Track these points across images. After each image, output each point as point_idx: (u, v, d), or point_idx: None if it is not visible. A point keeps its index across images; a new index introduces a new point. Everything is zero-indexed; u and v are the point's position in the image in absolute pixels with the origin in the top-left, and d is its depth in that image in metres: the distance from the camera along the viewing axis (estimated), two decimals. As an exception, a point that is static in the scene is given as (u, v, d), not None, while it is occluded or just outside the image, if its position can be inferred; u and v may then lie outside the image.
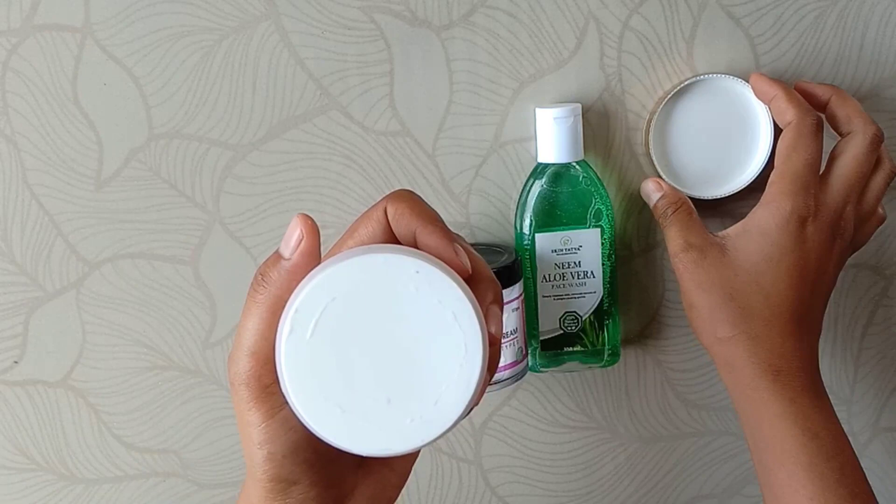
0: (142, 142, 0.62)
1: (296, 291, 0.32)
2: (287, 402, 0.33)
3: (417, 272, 0.32)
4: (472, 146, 0.63)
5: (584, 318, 0.63)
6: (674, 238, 0.59)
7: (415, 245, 0.36)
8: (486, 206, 0.64)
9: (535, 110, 0.62)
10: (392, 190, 0.63)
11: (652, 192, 0.62)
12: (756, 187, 0.63)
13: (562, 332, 0.63)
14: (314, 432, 0.32)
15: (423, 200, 0.37)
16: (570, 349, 0.63)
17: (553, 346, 0.63)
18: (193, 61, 0.61)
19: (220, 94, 0.61)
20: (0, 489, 0.66)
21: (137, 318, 0.65)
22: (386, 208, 0.36)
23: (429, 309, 0.32)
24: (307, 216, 0.34)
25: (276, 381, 0.34)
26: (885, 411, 0.71)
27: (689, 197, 0.63)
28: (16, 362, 0.65)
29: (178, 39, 0.60)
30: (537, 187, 0.61)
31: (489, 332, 0.34)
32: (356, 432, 0.32)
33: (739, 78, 0.61)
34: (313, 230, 0.34)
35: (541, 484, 0.69)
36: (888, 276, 0.68)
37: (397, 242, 0.37)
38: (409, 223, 0.36)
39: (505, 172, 0.64)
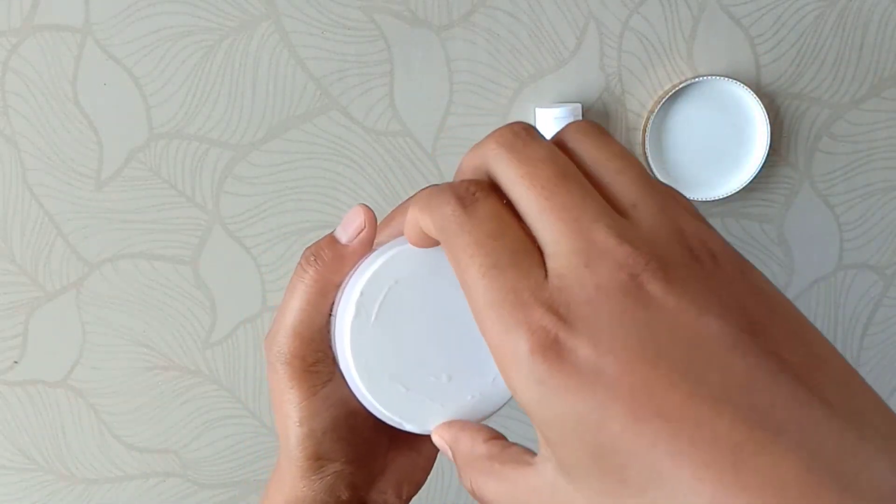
0: (142, 142, 0.62)
1: (356, 275, 0.33)
2: (348, 385, 0.33)
3: None
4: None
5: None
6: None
7: None
8: (486, 206, 0.64)
9: (535, 110, 0.62)
10: (390, 187, 0.64)
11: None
12: (753, 188, 0.63)
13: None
14: (378, 413, 0.33)
15: None
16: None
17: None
18: (193, 61, 0.61)
19: (220, 94, 0.61)
20: (0, 489, 0.66)
21: (137, 318, 0.65)
22: None
23: None
24: (368, 208, 0.35)
25: (322, 360, 0.34)
26: (885, 411, 0.71)
27: (688, 198, 0.63)
28: (16, 362, 0.65)
29: (178, 39, 0.60)
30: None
31: None
32: (421, 411, 0.33)
33: (737, 80, 0.61)
34: (374, 222, 0.35)
35: (541, 484, 0.69)
36: (888, 276, 0.68)
37: None
38: None
39: (505, 172, 0.64)
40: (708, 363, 0.22)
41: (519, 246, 0.25)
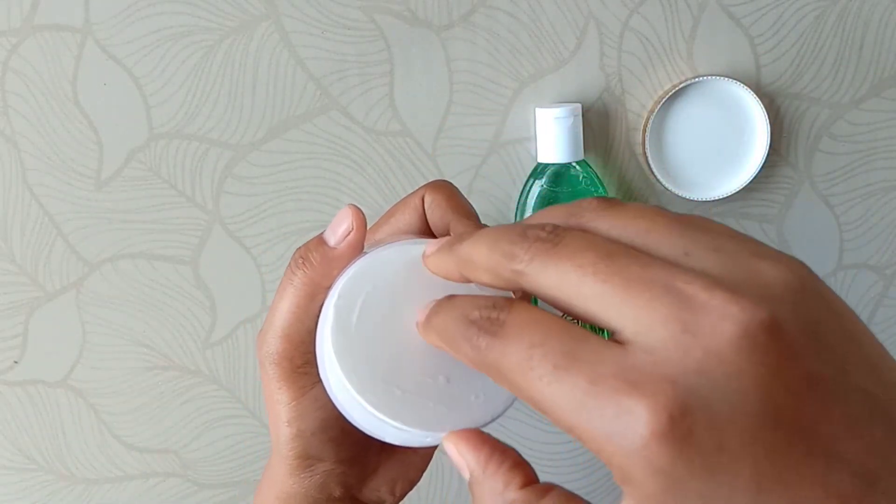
0: (142, 142, 0.62)
1: (338, 279, 0.33)
2: (327, 391, 0.33)
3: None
4: (472, 146, 0.63)
5: (584, 318, 0.63)
6: None
7: (447, 235, 0.36)
8: (486, 206, 0.64)
9: (535, 110, 0.62)
10: (390, 187, 0.64)
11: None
12: (753, 188, 0.63)
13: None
14: (375, 416, 0.32)
15: (461, 193, 0.38)
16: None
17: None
18: (193, 61, 0.61)
19: (220, 94, 0.61)
20: (0, 489, 0.66)
21: (137, 318, 0.65)
22: (423, 196, 0.36)
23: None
24: (358, 209, 0.34)
25: (312, 362, 0.34)
26: (885, 411, 0.71)
27: (686, 198, 0.63)
28: (16, 362, 0.65)
29: (178, 39, 0.60)
30: (537, 187, 0.61)
31: None
32: (420, 412, 0.32)
33: (737, 80, 0.61)
34: (362, 223, 0.34)
35: (541, 484, 0.69)
36: (888, 276, 0.68)
37: (430, 230, 0.37)
38: (444, 214, 0.36)
39: (505, 172, 0.64)
40: (819, 413, 0.20)
41: (575, 334, 0.23)
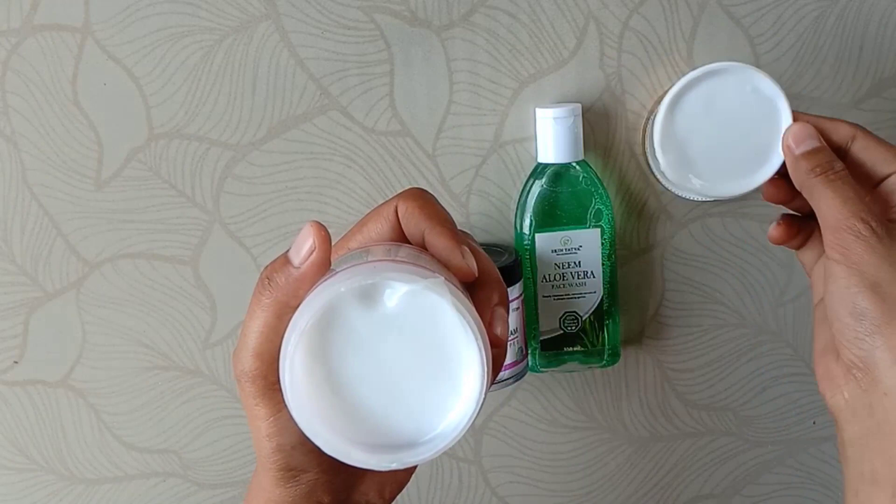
0: (142, 142, 0.62)
1: (300, 309, 0.33)
2: (290, 413, 0.33)
3: (411, 291, 0.32)
4: (472, 146, 0.63)
5: (584, 318, 0.63)
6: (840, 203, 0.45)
7: (423, 244, 0.36)
8: (486, 206, 0.64)
9: (535, 110, 0.62)
10: (390, 188, 0.64)
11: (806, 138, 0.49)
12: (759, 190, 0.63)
13: (562, 332, 0.63)
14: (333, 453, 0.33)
15: (436, 200, 0.37)
16: (570, 349, 0.63)
17: (553, 346, 0.63)
18: (193, 61, 0.61)
19: (220, 94, 0.61)
20: (0, 489, 0.66)
21: (137, 318, 0.65)
22: (397, 206, 0.36)
23: (425, 326, 0.33)
24: (321, 226, 0.34)
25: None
26: (885, 411, 0.71)
27: (686, 198, 0.63)
28: (16, 362, 0.65)
29: (178, 39, 0.60)
30: (537, 187, 0.61)
31: (494, 335, 0.34)
32: (377, 440, 0.33)
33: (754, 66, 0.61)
34: (325, 241, 0.34)
35: (541, 484, 0.69)
36: (888, 276, 0.68)
37: (406, 239, 0.37)
38: (419, 223, 0.36)
39: (505, 172, 0.64)
40: None
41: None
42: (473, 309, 0.33)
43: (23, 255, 0.63)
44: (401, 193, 0.37)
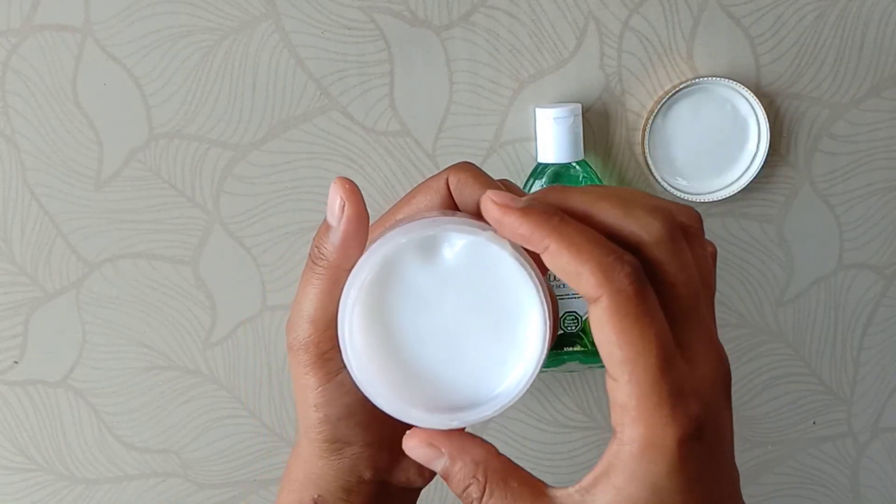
0: (142, 142, 0.62)
1: (358, 265, 0.33)
2: (351, 376, 0.33)
3: (471, 243, 0.32)
4: (472, 146, 0.63)
5: (584, 318, 0.63)
6: None
7: (478, 214, 0.36)
8: (486, 206, 0.64)
9: (535, 110, 0.62)
10: (390, 187, 0.64)
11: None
12: (753, 188, 0.63)
13: (562, 332, 0.63)
14: (398, 400, 0.32)
15: (485, 172, 0.37)
16: (570, 349, 0.63)
17: (553, 346, 0.63)
18: (193, 61, 0.61)
19: (220, 94, 0.61)
20: (0, 489, 0.66)
21: (137, 318, 0.65)
22: (448, 178, 0.36)
23: (486, 280, 0.32)
24: (345, 179, 0.34)
25: (337, 348, 0.34)
26: (885, 411, 0.71)
27: (686, 199, 0.63)
28: (16, 362, 0.65)
29: (178, 39, 0.60)
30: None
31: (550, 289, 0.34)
32: (442, 395, 0.32)
33: (737, 81, 0.61)
34: (353, 192, 0.34)
35: (541, 484, 0.69)
36: (888, 276, 0.68)
37: (457, 210, 0.37)
38: (473, 192, 0.36)
39: (505, 172, 0.64)
40: None
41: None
42: (534, 263, 0.33)
43: (23, 255, 0.63)
44: (450, 167, 0.37)
